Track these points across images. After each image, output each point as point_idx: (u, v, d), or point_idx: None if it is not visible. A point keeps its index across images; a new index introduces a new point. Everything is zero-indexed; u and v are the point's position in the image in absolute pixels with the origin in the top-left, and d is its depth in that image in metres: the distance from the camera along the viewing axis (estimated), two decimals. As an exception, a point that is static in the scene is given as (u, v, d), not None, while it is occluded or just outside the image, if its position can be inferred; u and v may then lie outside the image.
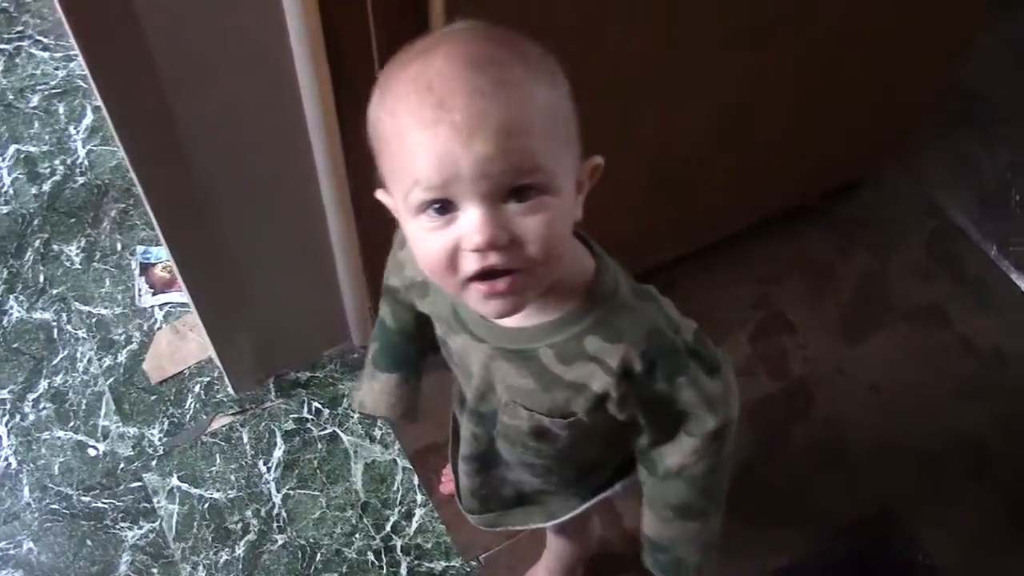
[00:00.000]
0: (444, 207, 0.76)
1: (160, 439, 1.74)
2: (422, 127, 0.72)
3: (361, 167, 1.34)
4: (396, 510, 1.67)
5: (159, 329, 1.86)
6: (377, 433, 1.74)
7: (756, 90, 1.53)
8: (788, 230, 1.96)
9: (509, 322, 0.87)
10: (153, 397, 1.78)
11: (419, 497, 1.68)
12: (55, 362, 1.82)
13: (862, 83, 1.67)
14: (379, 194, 0.86)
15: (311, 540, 1.64)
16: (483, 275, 0.77)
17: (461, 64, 0.73)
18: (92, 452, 1.72)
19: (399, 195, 0.78)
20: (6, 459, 1.71)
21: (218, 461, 1.71)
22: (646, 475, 1.01)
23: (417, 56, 0.75)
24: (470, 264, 0.77)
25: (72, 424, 1.75)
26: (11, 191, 2.05)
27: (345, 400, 1.77)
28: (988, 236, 2.00)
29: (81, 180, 2.07)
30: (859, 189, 2.03)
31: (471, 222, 0.75)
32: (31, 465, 1.71)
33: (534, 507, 1.18)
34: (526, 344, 0.89)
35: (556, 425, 0.93)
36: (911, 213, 2.03)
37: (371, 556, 1.62)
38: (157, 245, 1.95)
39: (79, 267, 1.94)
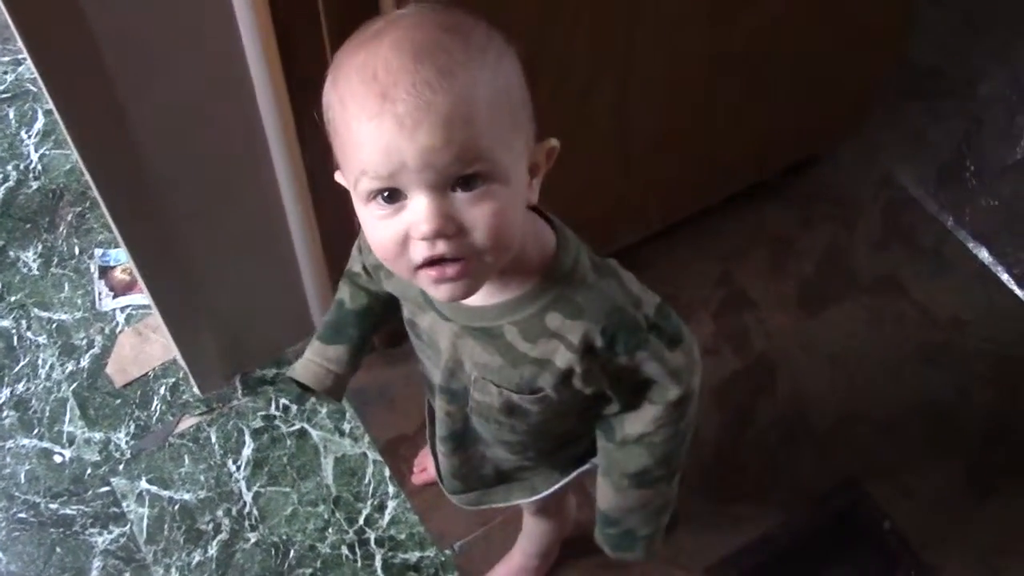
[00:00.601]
0: (392, 196, 0.77)
1: (127, 443, 1.72)
2: (368, 118, 0.73)
3: (318, 161, 1.34)
4: (368, 503, 1.67)
5: (121, 332, 1.84)
6: (346, 427, 1.74)
7: (710, 67, 1.54)
8: (749, 206, 1.97)
9: (473, 300, 0.88)
10: (118, 401, 1.77)
11: (391, 489, 1.68)
12: (16, 370, 1.80)
13: (813, 59, 1.68)
14: (337, 176, 0.87)
15: (284, 537, 1.63)
16: (432, 261, 0.78)
17: (407, 53, 0.73)
18: (58, 459, 1.71)
19: (350, 181, 0.80)
20: (-29, 470, 1.69)
21: (187, 462, 1.70)
22: (604, 441, 1.03)
23: (366, 42, 0.76)
24: (419, 252, 0.78)
25: (36, 431, 1.73)
26: (-36, 199, 2.02)
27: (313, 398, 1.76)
28: (945, 207, 2.03)
29: (35, 185, 2.05)
30: (817, 164, 2.05)
31: (418, 212, 0.76)
32: (-4, 475, 1.69)
33: (515, 483, 1.19)
34: (491, 322, 0.90)
35: (526, 401, 0.95)
36: (868, 186, 2.06)
37: (345, 550, 1.62)
38: (115, 248, 1.94)
39: (37, 273, 1.92)
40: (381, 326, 1.14)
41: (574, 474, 1.17)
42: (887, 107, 2.09)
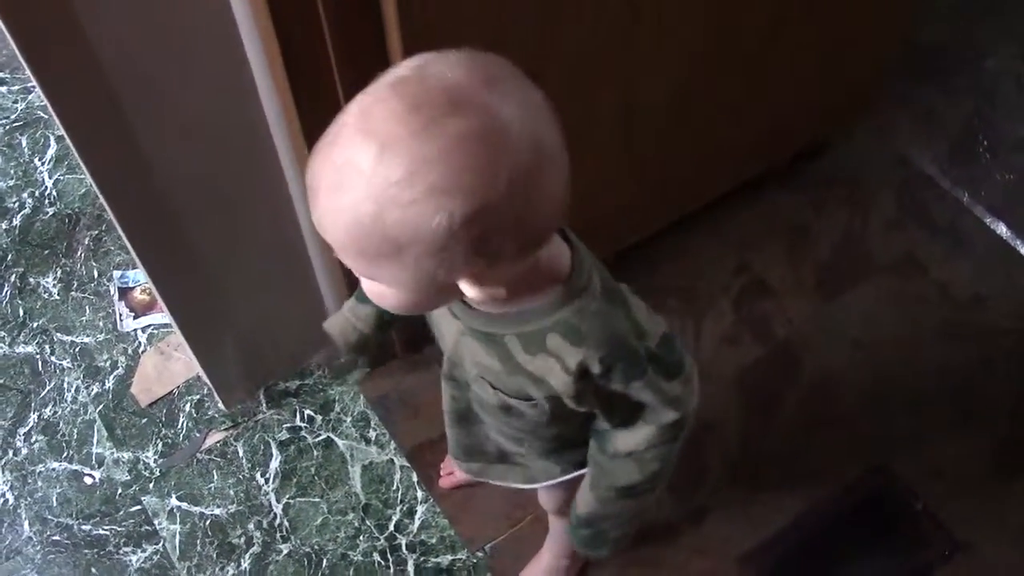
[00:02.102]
0: None
1: (155, 461, 1.73)
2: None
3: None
4: (398, 509, 1.67)
5: (144, 352, 1.86)
6: (372, 435, 1.74)
7: (716, 54, 1.54)
8: (762, 194, 1.97)
9: (481, 305, 0.89)
10: (144, 420, 1.78)
11: (419, 494, 1.68)
12: (43, 394, 1.82)
13: (821, 42, 1.68)
14: None
15: (316, 547, 1.64)
16: None
17: (338, 150, 0.74)
18: (88, 480, 1.72)
19: None
20: (3, 495, 1.71)
21: (216, 477, 1.71)
22: (596, 451, 1.04)
23: (338, 119, 0.76)
24: None
25: (66, 454, 1.75)
26: (-18, 228, 2.04)
27: (337, 405, 1.77)
28: (959, 184, 2.02)
29: (51, 211, 2.06)
30: (829, 148, 2.04)
31: None
32: (28, 499, 1.70)
33: (515, 467, 1.20)
34: (495, 329, 0.91)
35: (520, 405, 0.97)
36: (881, 168, 2.05)
37: (377, 557, 1.63)
38: (134, 268, 1.95)
39: (57, 298, 1.94)
40: None
41: (574, 474, 1.17)
42: (896, 87, 2.08)
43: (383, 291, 0.82)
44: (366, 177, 0.71)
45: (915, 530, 1.63)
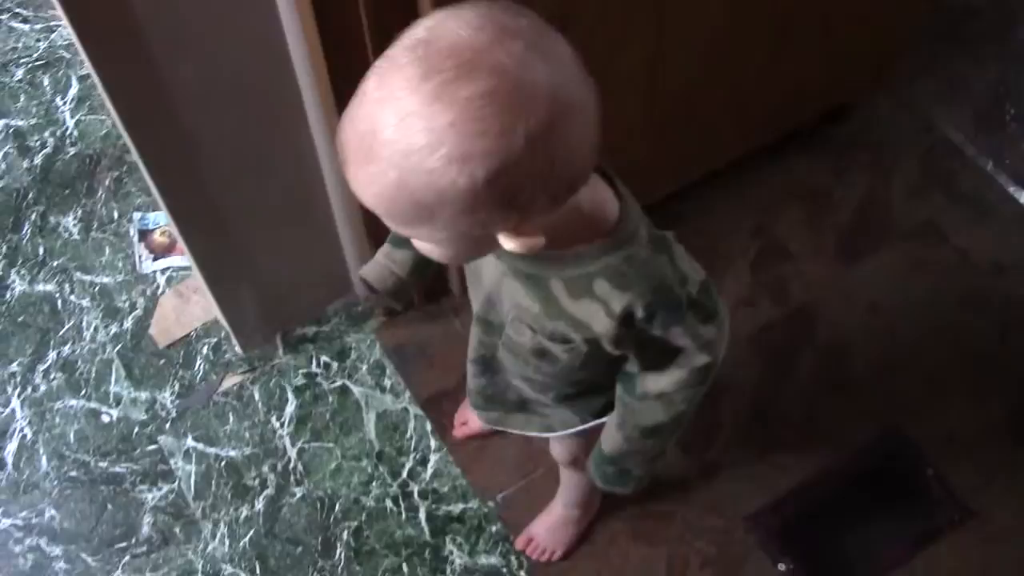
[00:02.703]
0: None
1: (172, 401, 1.75)
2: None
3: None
4: (411, 457, 1.69)
5: (162, 294, 1.87)
6: (387, 383, 1.75)
7: (738, 16, 1.52)
8: (784, 157, 1.96)
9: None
10: (162, 361, 1.79)
11: (433, 443, 1.70)
12: (61, 332, 1.83)
13: (850, 3, 1.66)
14: None
15: (329, 491, 1.66)
16: None
17: (362, 120, 0.74)
18: (106, 418, 1.74)
19: None
20: (21, 430, 1.73)
21: (231, 420, 1.73)
22: (623, 392, 1.06)
23: (361, 86, 0.76)
24: None
25: (84, 392, 1.76)
26: (3, 166, 2.04)
27: (353, 352, 1.78)
28: (984, 152, 2.00)
29: (72, 151, 2.06)
30: (853, 112, 2.03)
31: None
32: (47, 435, 1.72)
33: (534, 416, 1.22)
34: (540, 271, 0.91)
35: (556, 348, 0.97)
36: (906, 133, 2.03)
37: (389, 503, 1.65)
38: (154, 211, 1.95)
39: (77, 238, 1.94)
40: None
41: (592, 423, 1.19)
42: (923, 52, 2.06)
43: (426, 247, 0.85)
44: (389, 147, 0.72)
45: (925, 495, 1.63)
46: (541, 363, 1.02)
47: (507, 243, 0.81)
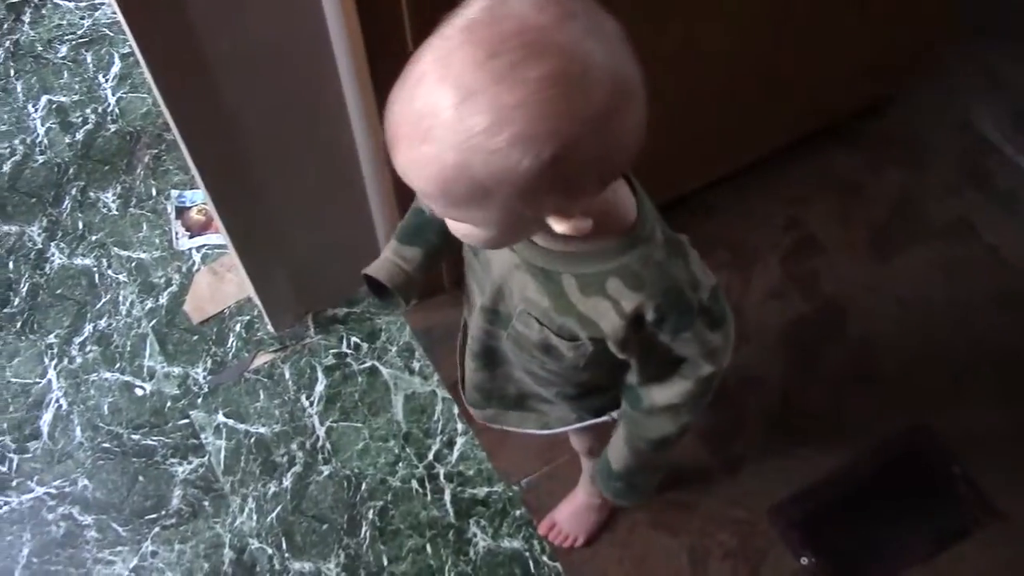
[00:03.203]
0: None
1: (204, 377, 1.78)
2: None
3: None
4: (437, 439, 1.70)
5: (197, 271, 1.89)
6: (416, 365, 1.77)
7: (775, 6, 1.52)
8: (819, 151, 1.95)
9: (542, 240, 0.90)
10: (195, 337, 1.82)
11: (459, 426, 1.71)
12: (98, 306, 1.86)
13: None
14: None
15: (356, 470, 1.68)
16: None
17: (417, 100, 0.73)
18: (139, 392, 1.77)
19: None
20: (57, 401, 1.76)
21: (262, 397, 1.75)
22: (629, 408, 1.06)
23: (412, 66, 0.75)
24: None
25: (118, 365, 1.80)
26: (45, 141, 2.07)
27: (383, 334, 1.80)
28: (1021, 150, 1.98)
29: (113, 128, 2.10)
30: (889, 107, 2.02)
31: None
32: (81, 406, 1.76)
33: (531, 413, 1.22)
34: (552, 266, 0.91)
35: (563, 345, 0.97)
36: (942, 129, 2.02)
37: (415, 484, 1.67)
38: (191, 189, 1.98)
39: (116, 213, 1.98)
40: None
41: (589, 422, 1.20)
42: (962, 48, 2.04)
43: (470, 230, 0.83)
44: (449, 127, 0.71)
45: (951, 493, 1.63)
46: (546, 359, 1.02)
47: (557, 226, 0.81)
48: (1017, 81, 2.08)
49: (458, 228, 0.85)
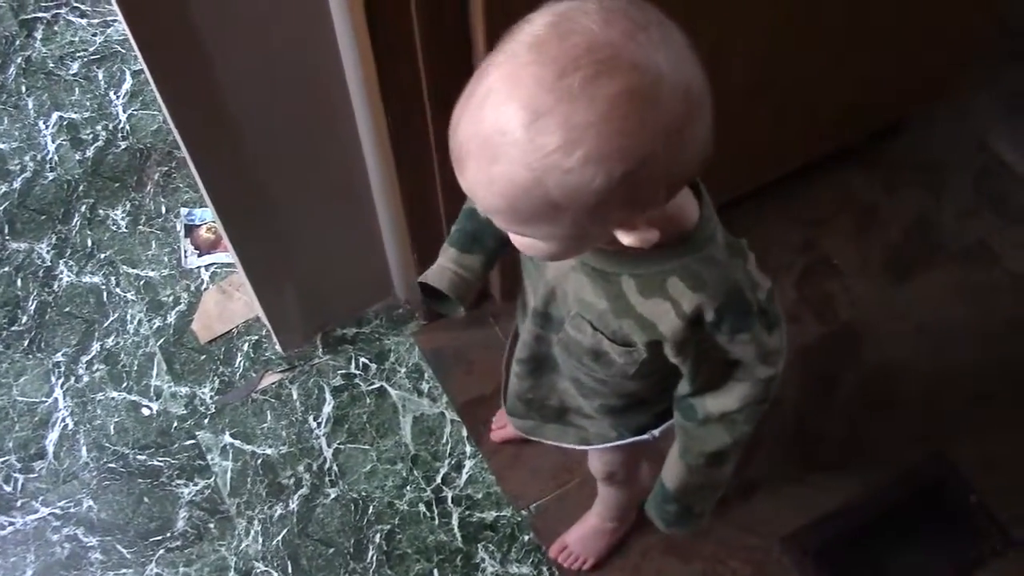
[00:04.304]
0: None
1: (211, 397, 1.76)
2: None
3: (400, 122, 1.34)
4: (446, 462, 1.68)
5: (206, 290, 1.88)
6: (425, 387, 1.75)
7: (798, 27, 1.50)
8: (836, 172, 1.93)
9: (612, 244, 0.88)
10: (203, 357, 1.81)
11: (468, 449, 1.69)
12: (106, 324, 1.85)
13: (907, 20, 1.63)
14: None
15: (363, 493, 1.66)
16: None
17: (486, 119, 0.73)
18: (146, 412, 1.75)
19: None
20: (63, 420, 1.75)
21: (269, 418, 1.74)
22: (683, 420, 1.03)
23: (478, 84, 0.74)
24: None
25: (125, 385, 1.78)
26: (56, 158, 2.07)
27: (392, 355, 1.78)
28: (1038, 172, 1.96)
29: (123, 145, 2.09)
30: (906, 129, 2.00)
31: None
32: (87, 425, 1.74)
33: (570, 428, 1.20)
34: (611, 267, 0.90)
35: (615, 350, 0.95)
36: (959, 152, 2.00)
37: (423, 507, 1.64)
38: (201, 207, 1.97)
39: (125, 231, 1.96)
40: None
41: (629, 440, 1.18)
42: (980, 70, 2.02)
43: (532, 243, 0.83)
44: (521, 146, 0.71)
45: (968, 523, 1.60)
46: (595, 365, 1.00)
47: (624, 238, 0.80)
48: (1034, 102, 2.06)
49: (521, 242, 0.84)
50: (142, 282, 1.90)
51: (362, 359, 1.79)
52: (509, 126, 0.71)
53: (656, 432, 1.17)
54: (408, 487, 1.66)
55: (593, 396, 1.10)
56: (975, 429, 1.67)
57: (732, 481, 1.48)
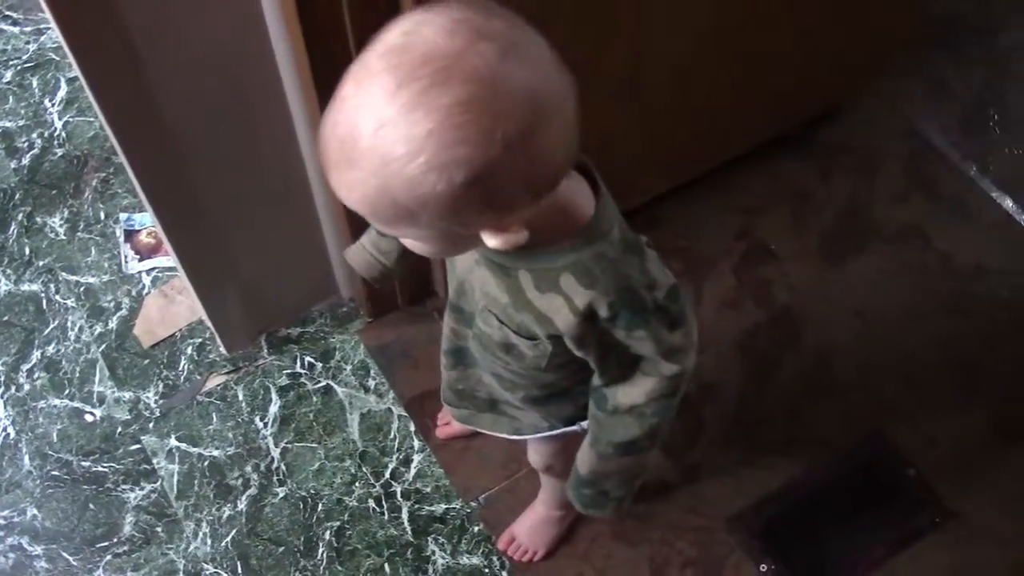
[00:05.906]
0: None
1: (156, 401, 1.75)
2: None
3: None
4: (394, 457, 1.69)
5: (147, 294, 1.87)
6: (371, 383, 1.76)
7: (724, 17, 1.53)
8: (769, 160, 1.97)
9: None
10: (146, 361, 1.79)
11: (416, 443, 1.70)
12: (46, 332, 1.83)
13: (834, 9, 1.67)
14: None
15: (312, 491, 1.66)
16: None
17: (340, 125, 0.75)
18: (89, 418, 1.74)
19: None
20: (4, 429, 1.73)
21: (215, 420, 1.73)
22: (594, 409, 1.05)
23: (338, 91, 0.76)
24: None
25: (67, 392, 1.76)
26: (-9, 167, 2.04)
27: (337, 353, 1.78)
28: (968, 157, 2.01)
29: (60, 152, 2.07)
30: (838, 116, 2.04)
31: None
32: (29, 434, 1.72)
33: (503, 417, 1.22)
34: (509, 262, 0.92)
35: (523, 344, 0.97)
36: (890, 137, 2.04)
37: (372, 503, 1.65)
38: (140, 211, 1.96)
39: (64, 238, 1.95)
40: None
41: (560, 431, 1.19)
42: (908, 57, 2.07)
43: (413, 244, 0.87)
44: (367, 155, 0.73)
45: (907, 497, 1.64)
46: (508, 358, 1.02)
47: (490, 240, 0.82)
48: (962, 89, 2.11)
49: (403, 241, 0.87)
50: (82, 288, 1.88)
51: (307, 358, 1.79)
52: (358, 134, 0.73)
53: (585, 424, 1.17)
54: (357, 483, 1.67)
55: (515, 388, 1.11)
56: (912, 406, 1.72)
57: (675, 464, 1.51)
